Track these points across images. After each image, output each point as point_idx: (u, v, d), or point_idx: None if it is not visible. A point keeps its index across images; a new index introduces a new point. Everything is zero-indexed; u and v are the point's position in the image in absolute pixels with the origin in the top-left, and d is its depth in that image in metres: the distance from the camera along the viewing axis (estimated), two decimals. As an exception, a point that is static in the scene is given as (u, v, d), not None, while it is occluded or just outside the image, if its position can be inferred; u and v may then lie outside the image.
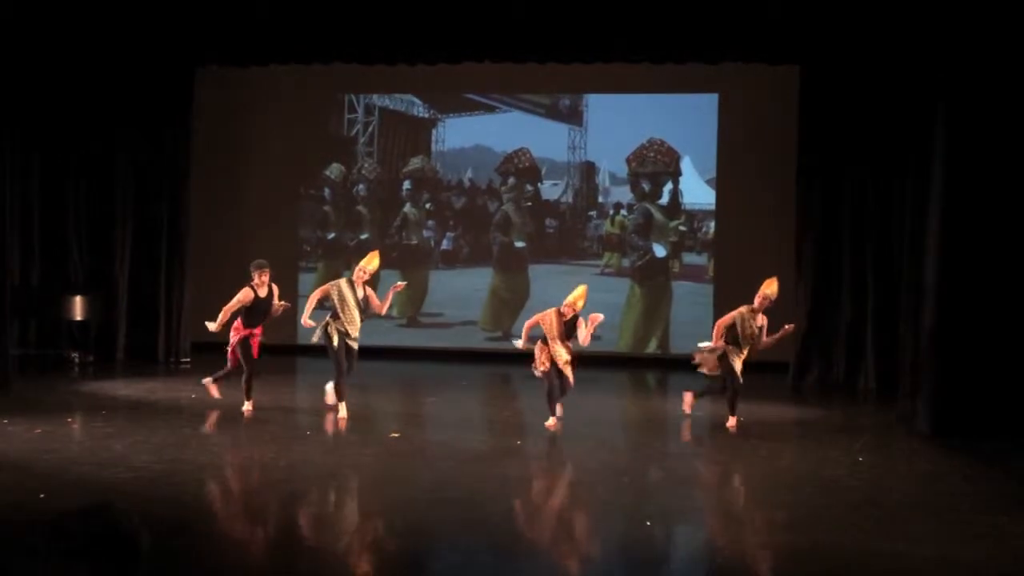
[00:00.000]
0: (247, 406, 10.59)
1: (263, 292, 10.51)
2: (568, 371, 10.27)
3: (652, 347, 15.77)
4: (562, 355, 10.20)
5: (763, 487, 8.26)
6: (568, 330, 10.22)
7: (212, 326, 10.58)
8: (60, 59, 13.82)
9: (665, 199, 15.77)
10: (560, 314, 10.19)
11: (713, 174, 15.62)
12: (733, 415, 10.28)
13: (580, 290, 10.37)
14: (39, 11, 12.35)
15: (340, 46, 13.43)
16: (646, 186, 15.80)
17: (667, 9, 12.24)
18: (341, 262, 16.06)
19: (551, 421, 10.22)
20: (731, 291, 13.38)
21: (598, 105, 15.96)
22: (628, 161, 15.85)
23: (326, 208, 16.41)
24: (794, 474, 8.81)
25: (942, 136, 9.71)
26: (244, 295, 10.39)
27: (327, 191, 16.40)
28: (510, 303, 15.93)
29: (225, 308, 10.45)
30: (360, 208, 16.38)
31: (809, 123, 13.68)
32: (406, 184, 16.31)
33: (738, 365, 10.19)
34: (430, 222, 16.33)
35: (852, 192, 13.57)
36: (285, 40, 13.33)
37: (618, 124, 15.82)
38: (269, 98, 15.88)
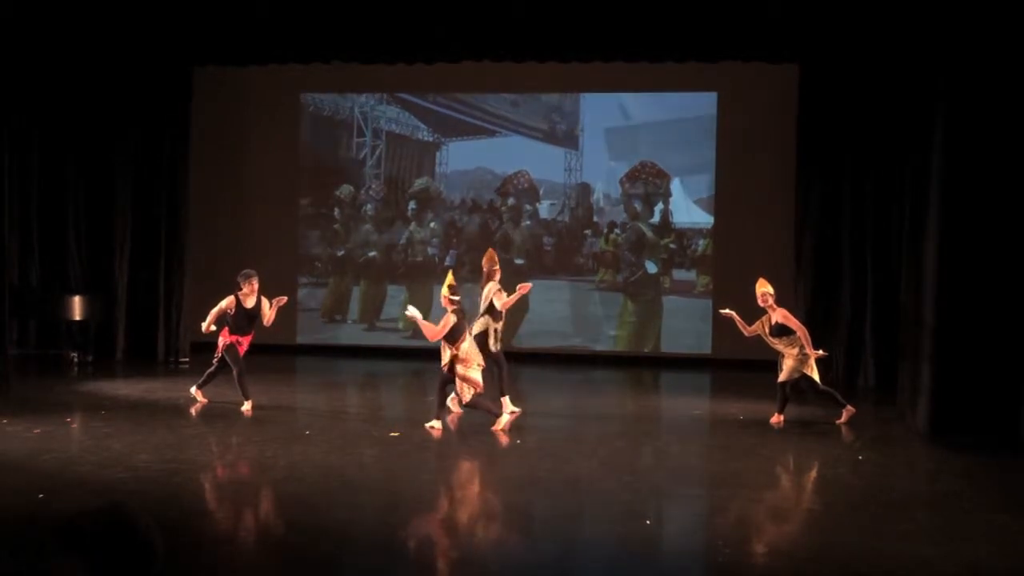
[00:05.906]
0: (246, 406, 10.04)
1: (249, 303, 10.00)
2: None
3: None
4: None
5: (763, 486, 7.67)
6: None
7: (203, 326, 10.11)
8: (59, 59, 13.24)
9: (656, 218, 15.43)
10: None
11: (701, 195, 15.28)
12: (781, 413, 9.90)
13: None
14: (38, 11, 11.77)
15: (339, 46, 12.84)
16: (638, 206, 15.46)
17: (666, 8, 11.69)
18: (350, 277, 15.62)
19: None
20: (731, 288, 12.92)
21: (593, 129, 15.48)
22: (621, 183, 15.52)
23: (336, 226, 16.04)
24: (795, 473, 8.34)
25: (941, 134, 9.09)
26: (228, 303, 9.98)
27: (337, 210, 16.02)
28: (509, 316, 15.35)
29: (212, 312, 10.00)
30: (368, 226, 15.97)
31: (808, 121, 13.22)
32: (411, 204, 15.93)
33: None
34: (434, 240, 15.92)
35: (852, 190, 13.01)
36: (283, 40, 12.76)
37: (612, 147, 15.39)
38: (268, 100, 15.43)
